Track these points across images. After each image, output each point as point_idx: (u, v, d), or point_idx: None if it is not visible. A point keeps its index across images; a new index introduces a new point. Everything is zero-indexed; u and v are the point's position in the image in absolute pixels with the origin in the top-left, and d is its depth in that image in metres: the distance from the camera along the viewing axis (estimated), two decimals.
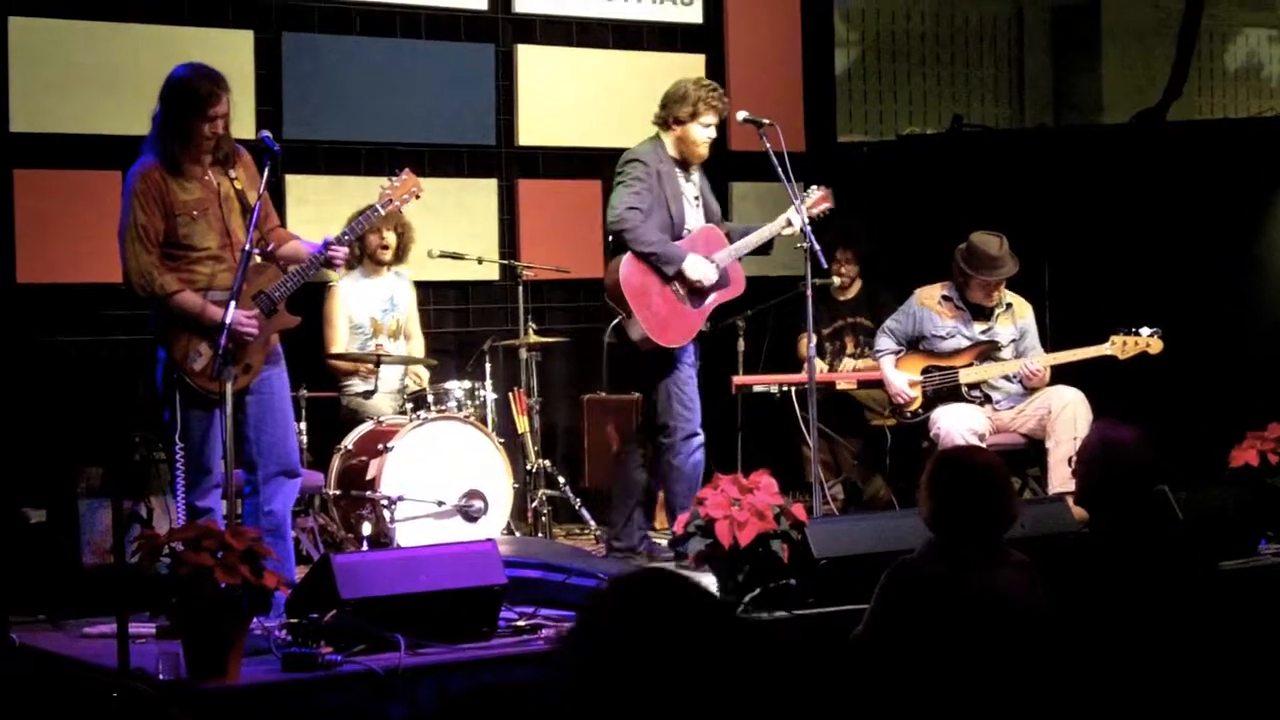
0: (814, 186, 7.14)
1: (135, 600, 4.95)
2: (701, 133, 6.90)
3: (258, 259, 5.77)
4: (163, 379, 5.76)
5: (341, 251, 5.90)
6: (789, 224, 6.95)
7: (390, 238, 7.61)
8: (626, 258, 6.83)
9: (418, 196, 6.17)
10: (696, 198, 7.03)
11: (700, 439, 6.92)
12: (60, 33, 7.41)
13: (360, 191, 7.91)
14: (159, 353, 5.77)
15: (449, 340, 8.36)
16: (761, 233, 6.97)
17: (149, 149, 5.77)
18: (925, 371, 7.59)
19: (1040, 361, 7.44)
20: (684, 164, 6.98)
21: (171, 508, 6.18)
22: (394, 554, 5.80)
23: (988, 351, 7.54)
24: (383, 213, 6.17)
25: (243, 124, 5.94)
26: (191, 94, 5.67)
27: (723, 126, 7.15)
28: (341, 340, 7.55)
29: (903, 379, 7.59)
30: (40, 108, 7.35)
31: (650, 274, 6.82)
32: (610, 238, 7.00)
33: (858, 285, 8.61)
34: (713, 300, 6.95)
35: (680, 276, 6.81)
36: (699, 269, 6.83)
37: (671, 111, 6.92)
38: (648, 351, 6.87)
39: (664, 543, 6.96)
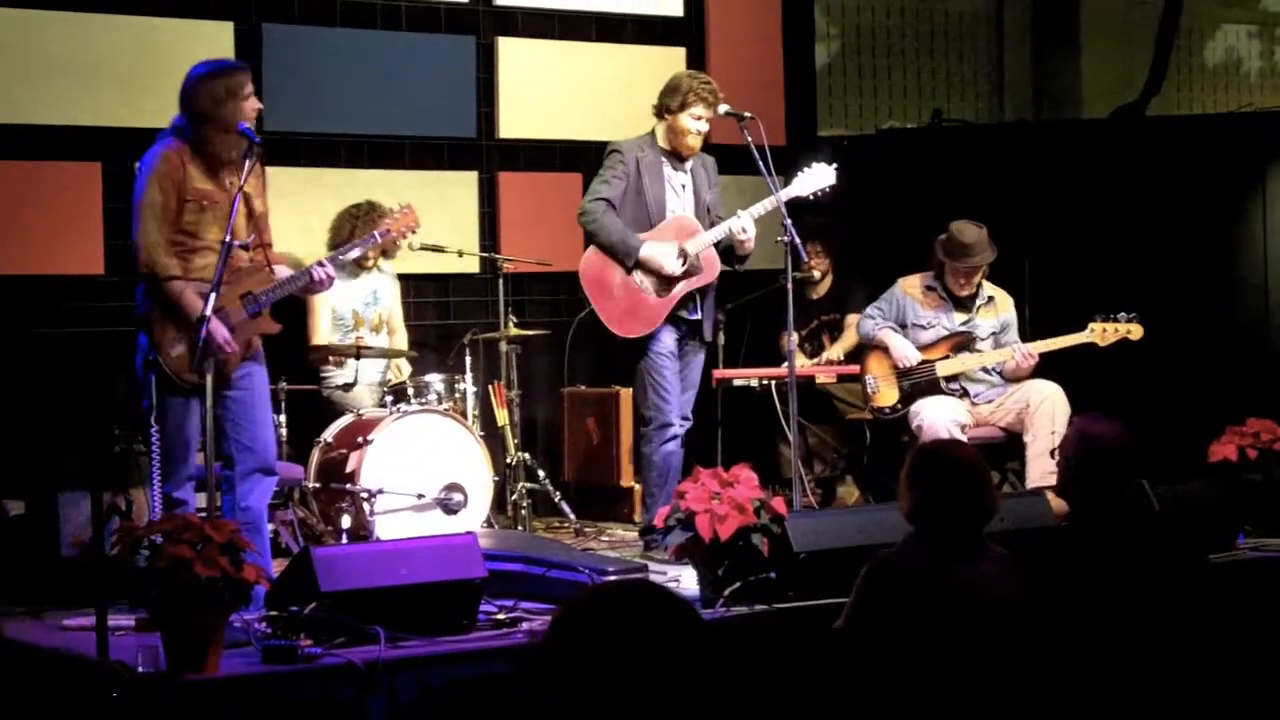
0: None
1: (114, 592, 4.94)
2: (691, 123, 6.92)
3: (245, 257, 5.77)
4: (141, 365, 5.74)
5: (327, 271, 5.91)
6: (744, 229, 6.87)
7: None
8: (589, 250, 6.93)
9: (414, 231, 6.36)
10: (684, 186, 7.04)
11: (674, 430, 6.91)
12: (38, 23, 7.38)
13: (340, 185, 7.90)
14: (140, 339, 5.75)
15: (429, 333, 8.36)
16: (724, 225, 6.90)
17: (171, 133, 5.76)
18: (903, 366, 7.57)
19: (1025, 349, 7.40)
20: (676, 155, 7.01)
21: (152, 499, 6.17)
22: (374, 547, 5.79)
23: (963, 343, 7.51)
24: (379, 242, 6.40)
25: None
26: (219, 87, 5.68)
27: None
28: (324, 331, 7.55)
29: (910, 345, 7.53)
30: (18, 99, 7.32)
31: (611, 265, 6.87)
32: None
33: (829, 281, 8.61)
34: (680, 288, 6.92)
35: (640, 267, 6.83)
36: (656, 256, 6.83)
37: (664, 101, 6.97)
38: (623, 342, 6.91)
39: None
